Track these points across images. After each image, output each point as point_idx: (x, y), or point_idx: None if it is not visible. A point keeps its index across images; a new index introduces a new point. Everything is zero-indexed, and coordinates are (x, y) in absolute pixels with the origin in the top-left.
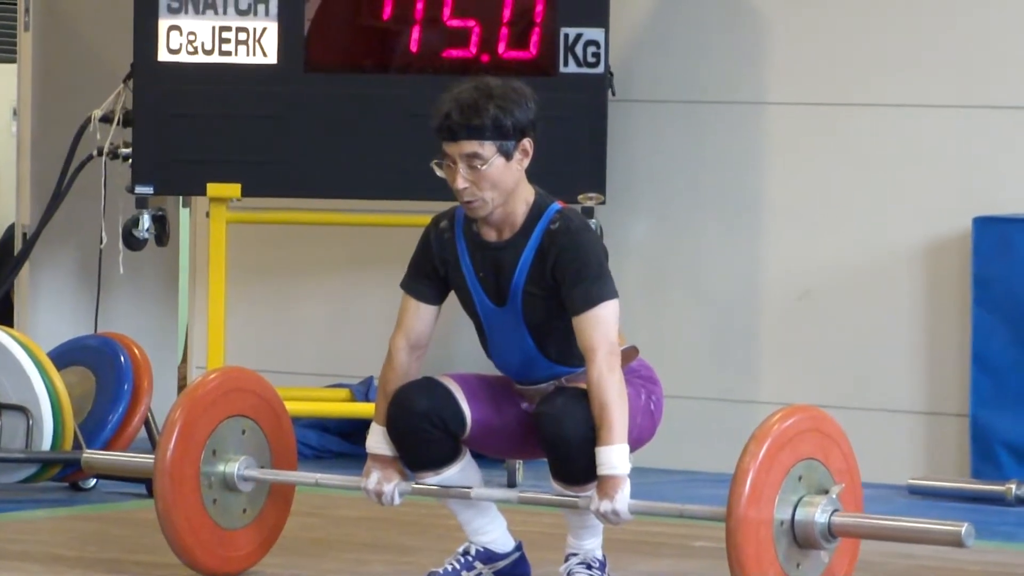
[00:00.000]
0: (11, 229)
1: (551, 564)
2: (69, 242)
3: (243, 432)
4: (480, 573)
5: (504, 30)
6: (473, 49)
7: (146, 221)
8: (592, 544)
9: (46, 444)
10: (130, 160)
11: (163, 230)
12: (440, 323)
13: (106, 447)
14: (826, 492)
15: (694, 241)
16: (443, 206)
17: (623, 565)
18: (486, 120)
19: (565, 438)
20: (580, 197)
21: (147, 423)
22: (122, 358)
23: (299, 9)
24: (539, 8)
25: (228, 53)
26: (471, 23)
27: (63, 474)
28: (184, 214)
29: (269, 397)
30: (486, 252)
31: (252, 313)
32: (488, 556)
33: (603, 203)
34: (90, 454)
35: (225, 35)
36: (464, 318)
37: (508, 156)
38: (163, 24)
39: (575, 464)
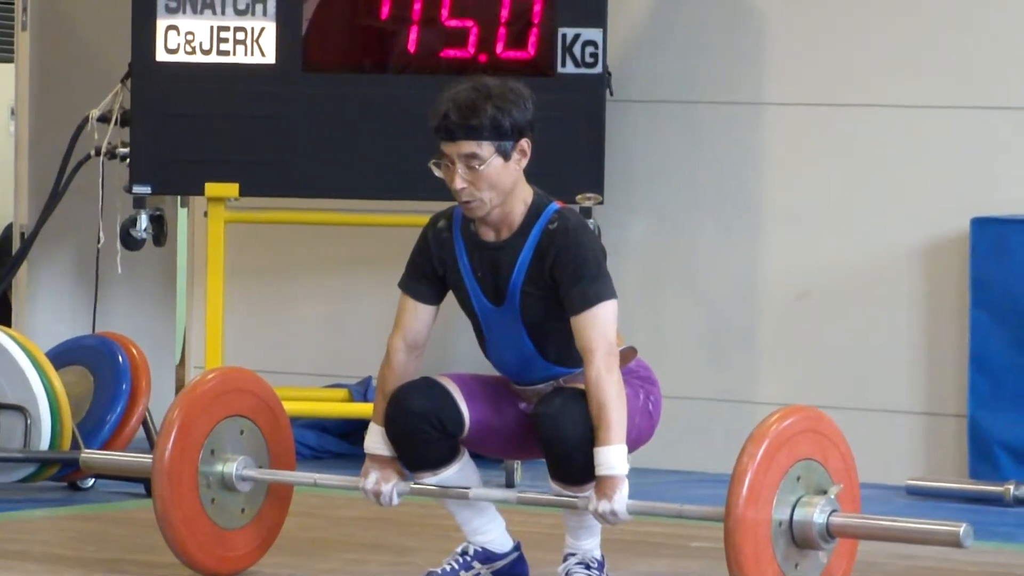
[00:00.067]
0: (9, 229)
1: (549, 564)
2: (67, 242)
3: (241, 432)
4: (478, 573)
5: (502, 30)
6: (471, 49)
7: (144, 221)
8: (590, 544)
9: (44, 444)
10: (128, 160)
11: (161, 230)
12: (438, 323)
13: (104, 447)
14: (824, 492)
15: (692, 241)
16: (441, 206)
17: (621, 565)
18: (484, 120)
19: (563, 438)
20: (578, 197)
21: (145, 423)
22: (120, 358)
23: (297, 9)
24: (537, 8)
25: (226, 53)
26: (469, 23)
27: (61, 474)
28: (182, 214)
29: (267, 397)
30: (484, 252)
31: (250, 313)
32: (486, 556)
33: (601, 203)
34: (88, 454)
35: (223, 35)
36: (462, 318)
37: (506, 156)
38: (161, 24)
39: (573, 464)
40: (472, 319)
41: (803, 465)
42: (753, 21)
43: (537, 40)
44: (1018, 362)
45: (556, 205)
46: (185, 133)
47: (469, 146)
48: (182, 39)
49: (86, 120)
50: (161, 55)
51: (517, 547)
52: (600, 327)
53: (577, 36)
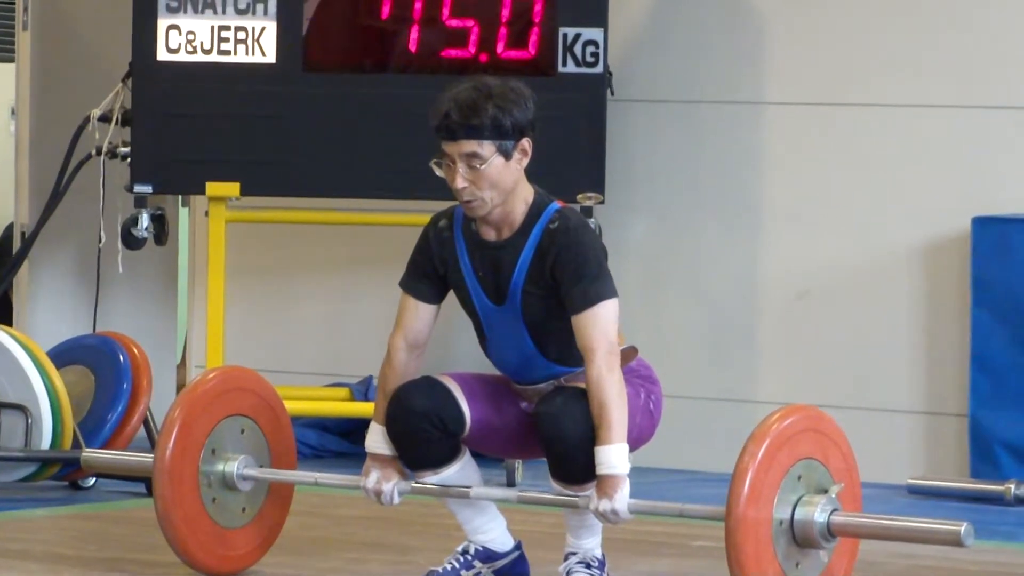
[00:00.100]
0: (10, 228)
1: (550, 563)
2: (68, 241)
3: (242, 431)
4: (479, 572)
5: (503, 30)
6: (472, 49)
7: (145, 220)
8: (591, 543)
9: (45, 443)
10: (129, 159)
11: (162, 229)
12: (439, 322)
13: (105, 446)
14: (825, 492)
15: (693, 241)
16: (442, 206)
17: (622, 564)
18: (485, 120)
19: (564, 437)
20: (579, 197)
21: (146, 422)
22: (121, 357)
23: (298, 9)
24: (538, 8)
25: (227, 52)
26: (470, 23)
27: (62, 473)
28: (183, 213)
29: (268, 396)
30: (485, 251)
31: (251, 312)
32: (487, 555)
33: (602, 203)
34: (89, 453)
35: (224, 34)
36: (463, 317)
37: (507, 156)
38: (162, 23)
39: (574, 463)
40: (473, 318)
41: (804, 464)
42: (753, 21)
43: (538, 40)
44: (1019, 361)
45: (557, 204)
46: (186, 133)
47: (470, 145)
48: (183, 39)
49: (87, 120)
50: (162, 54)
51: (518, 546)
52: (601, 326)
53: (578, 36)
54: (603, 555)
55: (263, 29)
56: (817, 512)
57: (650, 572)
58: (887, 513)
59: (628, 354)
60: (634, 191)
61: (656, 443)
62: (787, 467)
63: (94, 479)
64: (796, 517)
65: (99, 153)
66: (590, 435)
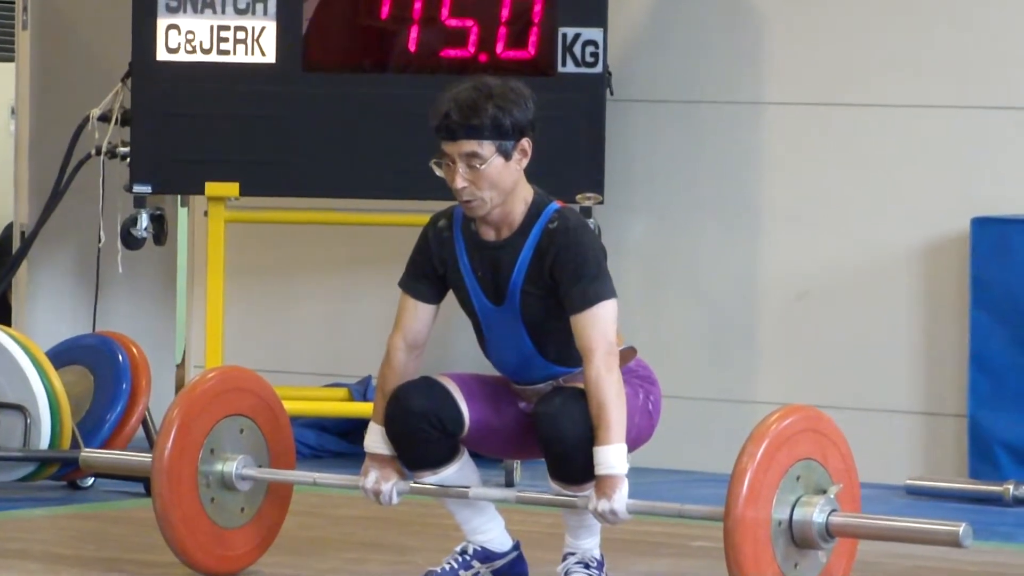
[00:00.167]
0: (9, 228)
1: (549, 564)
2: (67, 241)
3: (241, 431)
4: (478, 572)
5: (502, 30)
6: (471, 49)
7: (144, 220)
8: (590, 544)
9: (44, 443)
10: (128, 159)
11: (161, 229)
12: (438, 323)
13: (104, 446)
14: (824, 492)
15: (692, 241)
16: (441, 206)
17: (621, 565)
18: (485, 120)
19: (563, 438)
20: (578, 197)
21: (145, 422)
22: (120, 357)
23: (297, 8)
24: (537, 8)
25: (226, 52)
26: (469, 23)
27: (61, 473)
28: (182, 213)
29: (267, 396)
30: (484, 251)
31: (250, 312)
32: (486, 555)
33: (601, 203)
34: (88, 453)
35: (223, 34)
36: (462, 318)
37: (507, 156)
38: (161, 23)
39: (573, 464)
40: (472, 319)
41: (803, 465)
42: (753, 21)
43: (537, 40)
44: (1018, 362)
45: (556, 204)
46: (185, 132)
47: (470, 145)
48: (182, 38)
49: (87, 119)
50: (162, 54)
51: (516, 546)
52: (600, 326)
53: (577, 36)
54: (602, 555)
55: (263, 29)
56: (816, 512)
57: (649, 572)
58: (886, 514)
59: (627, 354)
60: (633, 191)
61: (655, 443)
62: (786, 467)
63: (93, 479)
64: (795, 517)
65: (99, 153)
66: (589, 435)
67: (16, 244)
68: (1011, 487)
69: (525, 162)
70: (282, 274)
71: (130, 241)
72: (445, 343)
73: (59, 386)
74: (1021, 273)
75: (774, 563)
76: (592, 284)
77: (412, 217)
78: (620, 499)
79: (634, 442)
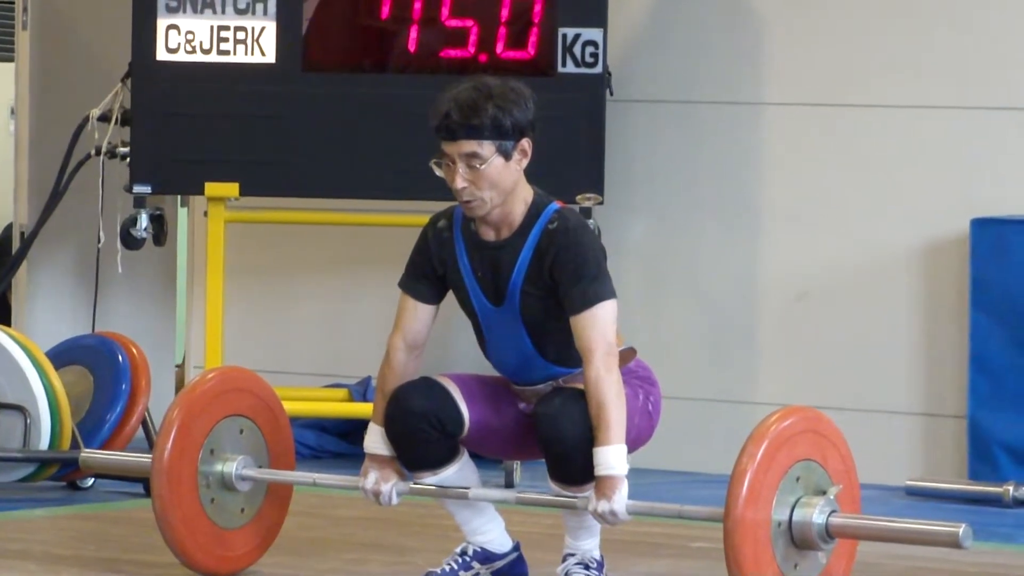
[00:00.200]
0: (9, 228)
1: (549, 564)
2: (67, 241)
3: (241, 432)
4: (478, 573)
5: (502, 30)
6: (471, 49)
7: (144, 220)
8: (590, 545)
9: (44, 443)
10: (128, 159)
11: (161, 229)
12: (438, 323)
13: (104, 446)
14: (824, 493)
15: (692, 242)
16: (441, 206)
17: (621, 566)
18: (485, 120)
19: (563, 438)
20: (578, 197)
21: (145, 422)
22: (120, 357)
23: (297, 9)
24: (537, 8)
25: (226, 52)
26: (469, 23)
27: (61, 473)
28: (182, 213)
29: (267, 397)
30: (484, 252)
31: (250, 313)
32: (486, 556)
33: (601, 203)
34: (88, 453)
35: (223, 34)
36: (462, 318)
37: (507, 156)
38: (161, 23)
39: (573, 464)
40: (472, 319)
41: (802, 466)
42: (753, 21)
43: (537, 40)
44: (1018, 363)
45: (556, 205)
46: (185, 133)
47: (470, 145)
48: (182, 38)
49: (86, 120)
50: (161, 54)
51: (516, 547)
52: (600, 327)
53: (577, 36)
54: (601, 556)
55: (262, 29)
56: (815, 513)
57: (648, 573)
58: (885, 515)
59: (627, 355)
60: (633, 192)
61: (655, 444)
62: (786, 468)
63: (92, 479)
64: (794, 518)
65: (98, 153)
66: (588, 436)
67: (16, 244)
68: (1011, 488)
69: (525, 162)
70: (282, 274)
71: (130, 241)
72: (445, 343)
73: (59, 386)
74: (1020, 274)
75: (774, 564)
76: (592, 285)
77: (412, 217)
78: (620, 500)
79: (634, 443)
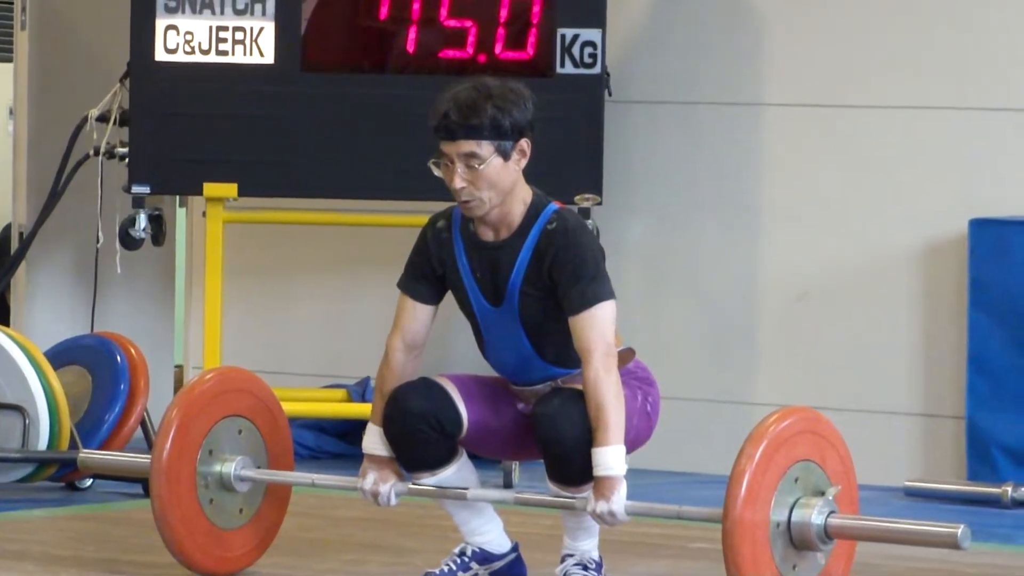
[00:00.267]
0: (8, 229)
1: (548, 565)
2: (66, 242)
3: (239, 432)
4: (476, 574)
5: (501, 30)
6: (470, 50)
7: (142, 221)
8: (588, 545)
9: (42, 444)
10: (127, 159)
11: (159, 230)
12: (437, 323)
13: (102, 447)
14: (822, 494)
15: (692, 242)
16: (440, 206)
17: (620, 566)
18: (484, 120)
19: (561, 439)
20: (577, 198)
21: (143, 423)
22: (119, 358)
23: (296, 9)
24: (536, 9)
25: (225, 53)
26: (468, 23)
27: (59, 474)
28: (181, 214)
29: (265, 397)
30: (483, 252)
31: (249, 313)
32: (484, 557)
33: (600, 204)
34: (86, 454)
35: (222, 35)
36: (461, 318)
37: (506, 156)
38: (160, 24)
39: (571, 465)
40: (471, 319)
41: (801, 466)
42: (753, 21)
43: (536, 40)
44: (1017, 363)
45: (555, 205)
46: (184, 133)
47: (469, 145)
48: (181, 39)
49: (85, 120)
50: (160, 55)
51: (515, 548)
52: (598, 328)
53: (576, 36)
54: (600, 557)
55: (261, 29)
56: (814, 514)
57: (647, 574)
58: (884, 515)
59: (625, 356)
60: (632, 192)
61: (654, 445)
62: (784, 469)
63: (91, 480)
64: (793, 519)
65: (97, 153)
66: (587, 436)
67: (15, 244)
68: (1009, 489)
69: (524, 163)
70: (281, 274)
71: (128, 241)
72: (444, 344)
73: (57, 387)
74: (1019, 274)
75: (772, 565)
76: (591, 285)
77: (411, 217)
78: (618, 500)
79: (632, 443)
